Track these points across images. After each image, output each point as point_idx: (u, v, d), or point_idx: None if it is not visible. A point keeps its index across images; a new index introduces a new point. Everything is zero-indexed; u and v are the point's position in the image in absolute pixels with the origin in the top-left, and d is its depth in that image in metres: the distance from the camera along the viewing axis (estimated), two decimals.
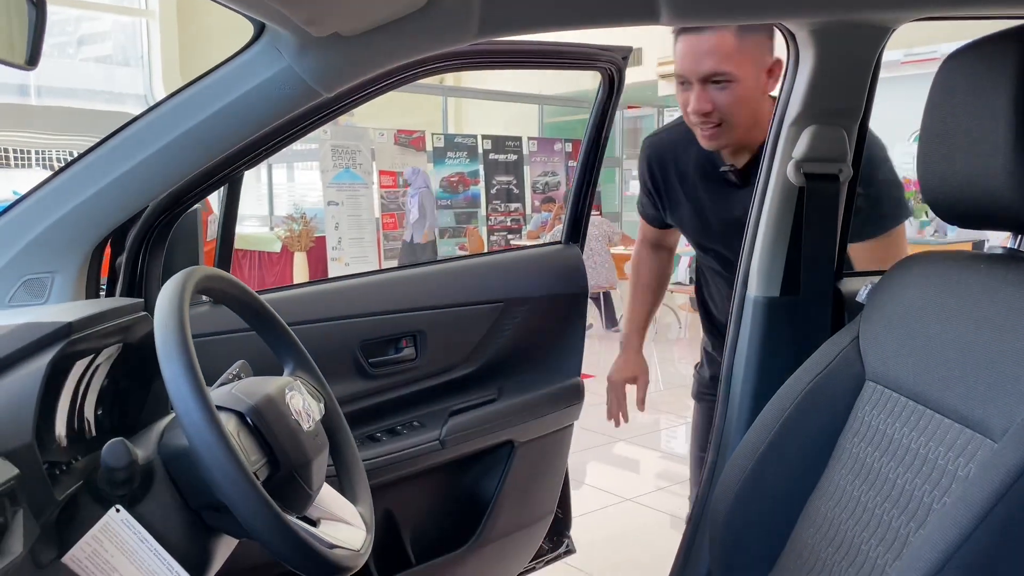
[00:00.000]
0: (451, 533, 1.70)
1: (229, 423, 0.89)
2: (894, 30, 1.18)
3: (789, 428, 1.17)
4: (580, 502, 3.84)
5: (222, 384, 1.04)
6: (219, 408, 0.91)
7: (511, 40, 1.56)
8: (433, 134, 9.21)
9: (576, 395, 1.78)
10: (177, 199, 1.41)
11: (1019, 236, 1.02)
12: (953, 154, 0.96)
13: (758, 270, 1.32)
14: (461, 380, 1.68)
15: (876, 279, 1.23)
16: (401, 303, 1.61)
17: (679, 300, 7.81)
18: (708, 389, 1.97)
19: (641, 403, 1.98)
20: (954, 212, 1.01)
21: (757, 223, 1.34)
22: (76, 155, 1.22)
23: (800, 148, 1.24)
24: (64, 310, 1.00)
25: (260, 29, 1.13)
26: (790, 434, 1.17)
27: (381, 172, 8.48)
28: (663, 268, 2.09)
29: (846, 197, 1.30)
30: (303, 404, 0.98)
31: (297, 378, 1.06)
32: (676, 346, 7.30)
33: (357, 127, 9.14)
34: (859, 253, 1.48)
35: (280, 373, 1.10)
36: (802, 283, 1.27)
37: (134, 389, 1.07)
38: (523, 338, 1.71)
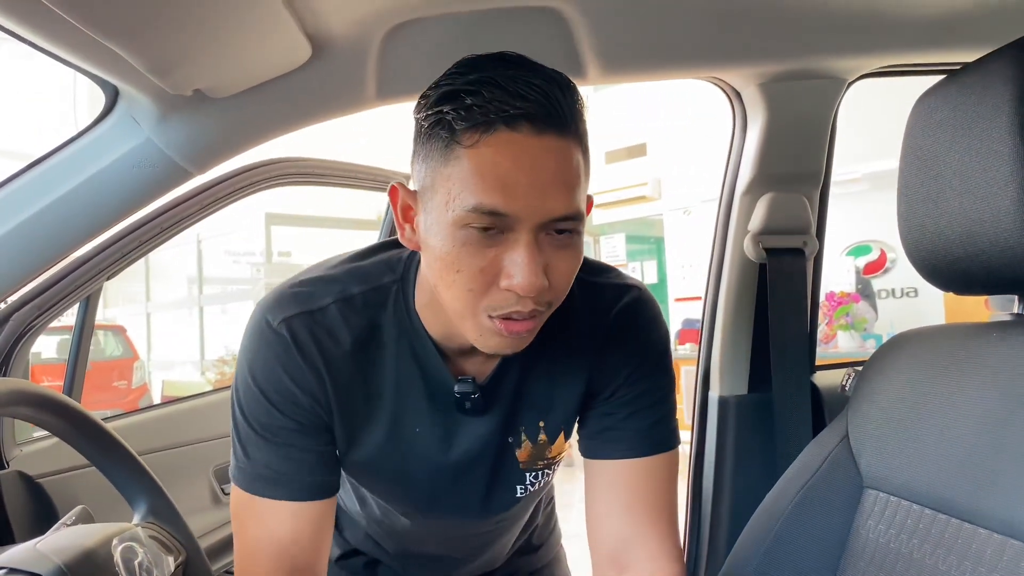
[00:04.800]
0: None
1: None
2: (850, 84, 1.05)
3: (777, 556, 0.95)
4: None
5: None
6: (13, 572, 0.65)
7: (315, 160, 1.64)
8: None
9: None
10: (38, 311, 1.21)
11: None
12: (945, 201, 0.80)
13: (720, 366, 1.13)
14: None
15: (858, 367, 1.05)
16: None
17: None
18: None
19: None
20: (951, 275, 0.84)
21: (713, 312, 1.16)
22: None
23: (757, 220, 1.08)
24: None
25: (114, 95, 0.94)
26: (779, 563, 0.94)
27: None
28: None
29: (812, 275, 1.13)
30: (142, 559, 0.73)
31: (144, 525, 0.80)
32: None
33: (291, 263, 9.00)
34: (604, 481, 0.92)
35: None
36: (774, 376, 1.07)
37: None
38: None
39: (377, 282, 0.83)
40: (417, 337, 0.84)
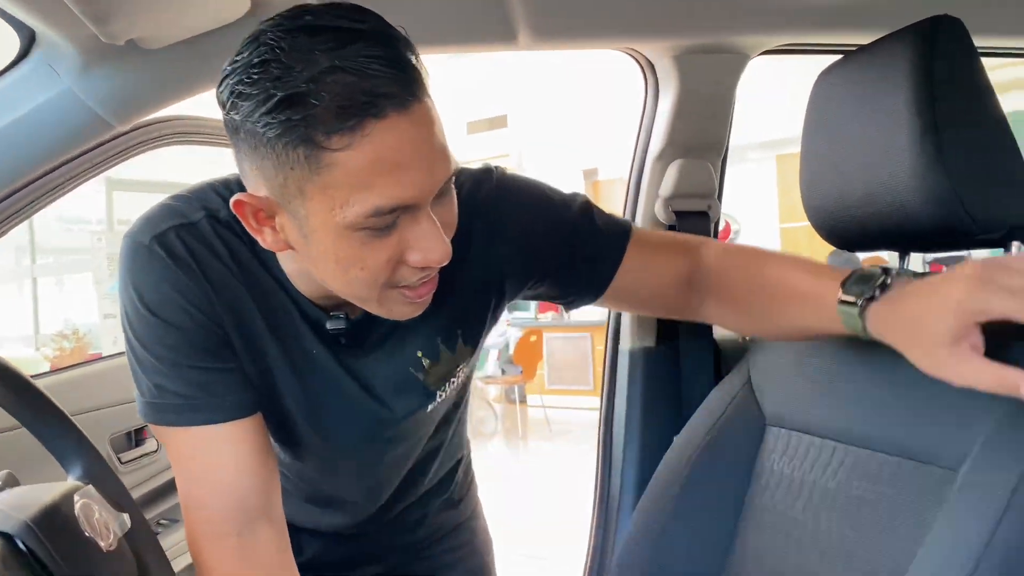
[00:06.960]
0: None
1: None
2: (751, 58, 1.15)
3: (691, 491, 1.04)
4: None
5: None
6: None
7: (209, 120, 1.59)
8: None
9: None
10: None
11: (905, 256, 0.98)
12: (846, 166, 0.90)
13: (631, 321, 1.21)
14: None
15: None
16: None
17: (493, 393, 7.74)
18: None
19: None
20: (849, 233, 0.95)
21: None
22: None
23: (667, 184, 1.16)
24: None
25: (30, 39, 0.89)
26: (693, 497, 1.04)
27: None
28: None
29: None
30: (100, 515, 0.72)
31: (89, 484, 0.79)
32: (492, 441, 7.16)
33: None
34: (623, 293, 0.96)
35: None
36: (680, 329, 1.16)
37: None
38: None
39: None
40: (283, 281, 0.83)
